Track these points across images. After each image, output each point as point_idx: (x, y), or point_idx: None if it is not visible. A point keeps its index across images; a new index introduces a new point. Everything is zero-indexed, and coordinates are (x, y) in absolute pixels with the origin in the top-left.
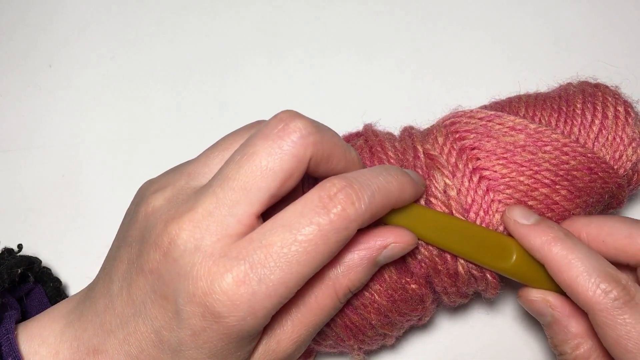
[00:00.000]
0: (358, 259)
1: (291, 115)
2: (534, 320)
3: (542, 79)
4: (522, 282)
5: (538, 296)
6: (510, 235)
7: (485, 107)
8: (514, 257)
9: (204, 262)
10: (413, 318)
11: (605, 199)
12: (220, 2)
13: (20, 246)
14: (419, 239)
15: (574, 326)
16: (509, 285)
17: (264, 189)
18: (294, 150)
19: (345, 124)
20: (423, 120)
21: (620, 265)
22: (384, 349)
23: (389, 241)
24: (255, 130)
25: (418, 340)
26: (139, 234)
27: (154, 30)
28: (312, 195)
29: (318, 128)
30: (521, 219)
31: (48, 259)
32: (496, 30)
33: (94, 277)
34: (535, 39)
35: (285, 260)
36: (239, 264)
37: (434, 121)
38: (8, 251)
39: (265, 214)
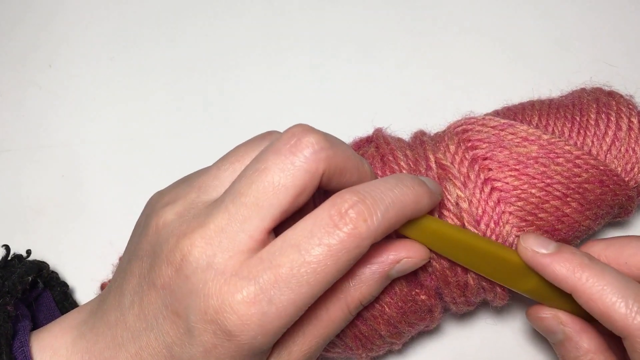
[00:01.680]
0: (370, 273)
1: (304, 129)
2: None
3: (543, 80)
4: (540, 302)
5: (549, 313)
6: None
7: (497, 113)
8: (533, 281)
9: (216, 280)
10: (421, 327)
11: (614, 210)
12: (220, 2)
13: (29, 252)
14: (432, 252)
15: (586, 342)
16: (517, 294)
17: (276, 205)
18: (307, 166)
19: (354, 128)
20: (434, 124)
21: None
22: (390, 353)
23: (401, 256)
24: (267, 143)
25: (424, 344)
26: (150, 248)
27: (154, 31)
28: (323, 212)
29: (331, 143)
30: (539, 248)
31: (48, 260)
32: (497, 31)
33: (95, 277)
34: (536, 39)
35: (295, 282)
36: (249, 285)
37: (443, 124)
38: (18, 257)
39: (278, 228)
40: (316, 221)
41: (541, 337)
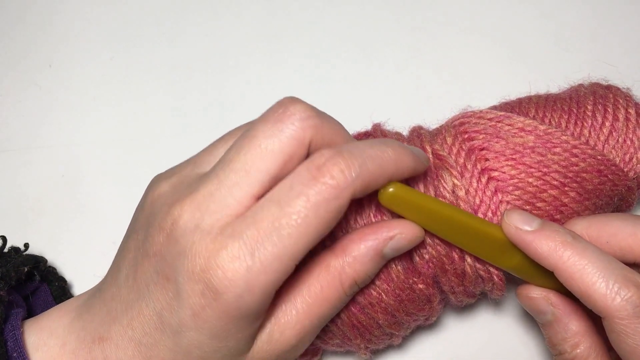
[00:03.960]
0: (364, 249)
1: (291, 100)
2: None
3: (542, 79)
4: (524, 279)
5: (539, 293)
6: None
7: (495, 107)
8: (517, 258)
9: (202, 240)
10: (420, 318)
11: (614, 201)
12: (220, 2)
13: (26, 245)
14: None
15: (575, 324)
16: (516, 284)
17: (263, 170)
18: (293, 133)
19: (353, 124)
20: (432, 120)
21: (627, 265)
22: (390, 349)
23: (395, 232)
24: None
25: (425, 340)
26: (145, 221)
27: (153, 30)
28: (301, 168)
29: (317, 113)
30: (523, 225)
31: (48, 259)
32: (498, 30)
33: (94, 275)
34: (536, 39)
35: (276, 235)
36: (234, 241)
37: (442, 121)
38: (15, 250)
39: None
40: (295, 176)
41: (540, 331)
